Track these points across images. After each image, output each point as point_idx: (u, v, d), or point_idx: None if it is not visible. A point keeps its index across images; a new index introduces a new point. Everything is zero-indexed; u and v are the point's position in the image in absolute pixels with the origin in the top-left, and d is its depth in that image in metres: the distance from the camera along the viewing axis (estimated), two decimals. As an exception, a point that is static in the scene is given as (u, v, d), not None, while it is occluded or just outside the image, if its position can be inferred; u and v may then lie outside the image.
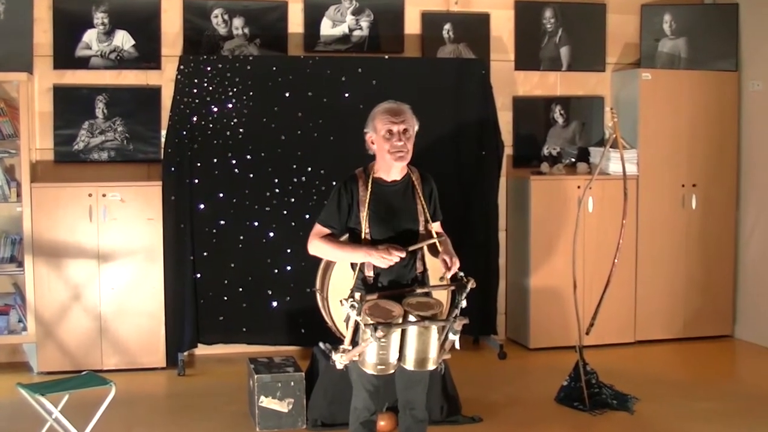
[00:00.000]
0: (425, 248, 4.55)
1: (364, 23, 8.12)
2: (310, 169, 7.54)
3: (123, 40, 7.71)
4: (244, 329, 7.62)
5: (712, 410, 6.38)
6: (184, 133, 7.35)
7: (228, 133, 7.43)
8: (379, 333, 4.03)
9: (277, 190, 7.52)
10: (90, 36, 7.67)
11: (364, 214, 4.44)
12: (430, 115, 7.34)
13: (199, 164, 7.41)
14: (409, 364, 4.26)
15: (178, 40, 7.82)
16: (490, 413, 6.26)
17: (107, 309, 7.34)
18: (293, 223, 7.47)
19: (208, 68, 7.40)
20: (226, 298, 7.53)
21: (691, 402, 6.56)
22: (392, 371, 4.32)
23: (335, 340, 4.97)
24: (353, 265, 4.55)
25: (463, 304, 4.33)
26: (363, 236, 4.44)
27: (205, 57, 7.56)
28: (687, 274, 8.46)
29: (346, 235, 4.60)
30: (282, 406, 5.94)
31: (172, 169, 7.36)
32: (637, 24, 8.69)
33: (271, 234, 7.54)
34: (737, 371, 7.98)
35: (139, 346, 7.42)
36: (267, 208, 7.52)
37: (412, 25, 8.25)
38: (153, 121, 7.77)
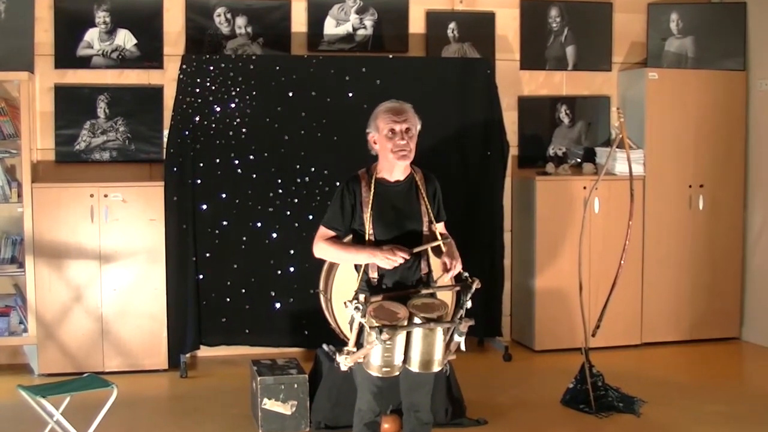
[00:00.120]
0: (429, 249, 4.54)
1: (368, 22, 8.12)
2: (313, 169, 7.54)
3: (125, 39, 7.71)
4: (247, 331, 7.62)
5: (719, 413, 6.37)
6: (187, 133, 7.35)
7: (231, 133, 7.43)
8: (384, 336, 4.03)
9: (280, 191, 7.52)
10: (91, 35, 7.67)
11: (367, 215, 4.44)
12: (435, 115, 7.39)
13: (201, 164, 7.41)
14: (414, 366, 4.25)
15: (180, 39, 7.82)
16: (496, 416, 6.25)
17: (109, 310, 7.34)
18: (296, 224, 7.47)
19: (211, 68, 7.40)
20: (228, 299, 7.53)
21: (698, 405, 6.55)
22: (397, 373, 4.32)
23: (339, 342, 4.99)
24: (357, 267, 4.55)
25: (468, 304, 4.33)
26: (367, 237, 4.44)
27: (207, 56, 7.56)
28: (694, 276, 8.45)
29: (350, 237, 4.60)
30: (285, 409, 5.93)
31: (175, 169, 7.37)
32: (644, 23, 8.69)
33: (274, 235, 7.54)
34: (745, 374, 7.97)
35: (141, 348, 7.42)
36: (270, 209, 7.52)
37: (416, 24, 8.25)
38: (155, 120, 7.77)
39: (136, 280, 7.37)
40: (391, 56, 7.95)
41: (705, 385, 7.11)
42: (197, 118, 7.37)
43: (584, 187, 7.98)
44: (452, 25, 8.28)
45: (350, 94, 7.56)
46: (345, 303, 4.22)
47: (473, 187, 7.87)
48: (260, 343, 7.68)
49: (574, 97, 8.63)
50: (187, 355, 7.55)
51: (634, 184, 6.64)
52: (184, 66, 7.38)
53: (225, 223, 7.48)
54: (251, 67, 7.49)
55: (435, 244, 4.49)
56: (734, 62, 8.63)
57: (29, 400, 5.14)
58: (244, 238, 7.51)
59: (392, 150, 4.41)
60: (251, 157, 7.47)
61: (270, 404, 5.92)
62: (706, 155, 8.40)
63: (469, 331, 4.33)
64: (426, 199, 4.54)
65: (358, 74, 7.62)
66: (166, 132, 7.56)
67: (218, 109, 7.41)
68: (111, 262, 7.31)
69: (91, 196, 7.27)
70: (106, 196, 7.29)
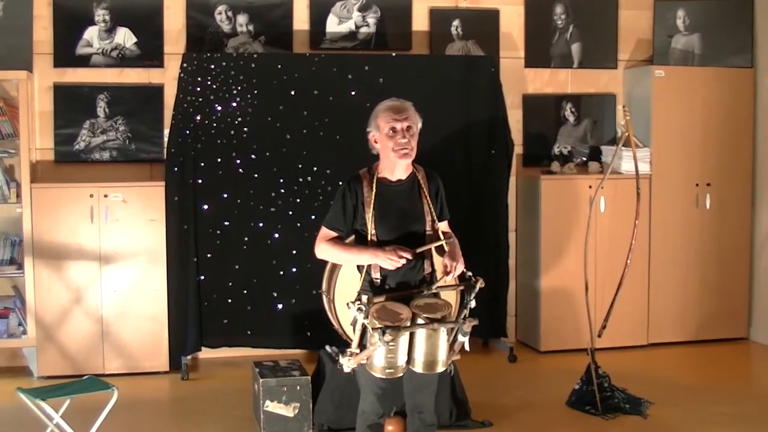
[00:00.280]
0: (433, 249, 4.54)
1: (371, 20, 8.12)
2: (315, 168, 7.54)
3: (125, 37, 7.71)
4: (249, 332, 7.62)
5: (726, 414, 6.36)
6: (188, 132, 7.35)
7: (232, 132, 7.44)
8: (387, 337, 4.03)
9: (282, 191, 7.52)
10: (91, 33, 7.67)
11: (369, 216, 4.44)
12: (439, 113, 7.41)
13: (202, 164, 7.41)
14: (418, 367, 4.25)
15: (181, 38, 7.82)
16: (500, 417, 6.25)
17: (109, 312, 7.34)
18: (299, 224, 7.47)
19: (212, 66, 7.40)
20: (230, 300, 7.54)
21: (705, 406, 6.54)
22: (401, 374, 4.31)
23: (342, 344, 4.97)
24: (360, 267, 4.55)
25: (472, 304, 4.33)
26: (369, 238, 4.44)
27: (208, 55, 7.56)
28: (701, 275, 8.44)
29: (353, 237, 4.60)
30: (288, 411, 5.93)
31: (175, 169, 7.37)
32: (650, 20, 8.68)
33: (277, 235, 7.54)
34: (752, 374, 7.96)
35: (141, 350, 7.42)
36: (272, 209, 7.52)
37: (419, 22, 8.25)
38: (155, 120, 7.78)
39: (137, 281, 7.37)
40: (394, 54, 7.95)
41: (713, 386, 7.10)
42: (198, 117, 7.37)
43: (590, 186, 7.98)
44: (456, 23, 8.28)
45: (353, 93, 7.56)
46: (348, 304, 4.22)
47: (477, 187, 7.87)
48: (262, 344, 7.68)
49: (579, 95, 8.62)
50: (189, 357, 7.55)
51: (640, 182, 6.64)
52: (184, 64, 7.38)
53: (226, 223, 7.48)
54: (253, 65, 7.49)
55: (438, 243, 4.49)
56: (741, 59, 8.63)
57: (28, 403, 5.14)
58: (246, 239, 7.51)
59: (393, 149, 4.41)
60: (253, 156, 7.47)
61: (272, 406, 5.92)
62: (714, 153, 8.40)
63: (473, 332, 4.33)
64: (428, 198, 4.54)
65: (360, 72, 7.62)
66: (166, 131, 7.56)
67: (219, 108, 7.41)
68: (111, 263, 7.31)
69: (91, 196, 7.27)
70: (106, 196, 7.29)
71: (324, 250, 4.57)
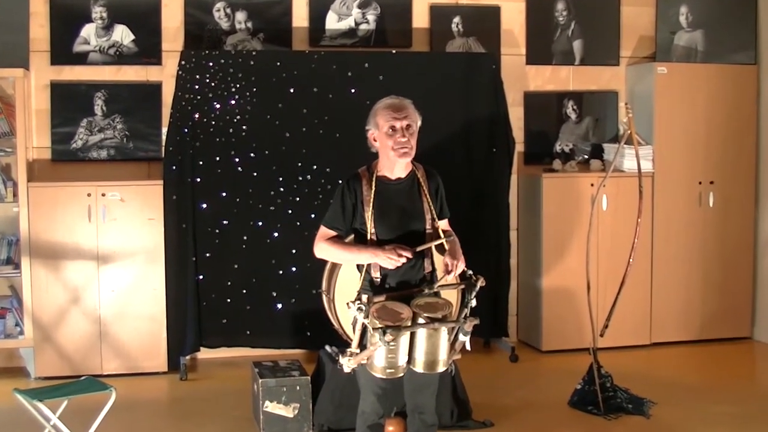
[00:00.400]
0: (433, 248, 4.54)
1: (371, 17, 8.12)
2: (315, 167, 7.54)
3: (122, 34, 7.71)
4: (248, 332, 7.62)
5: (730, 414, 6.36)
6: (186, 130, 7.35)
7: (231, 130, 7.44)
8: (388, 336, 4.03)
9: (281, 189, 7.52)
10: (88, 30, 7.67)
11: (368, 214, 4.44)
12: (439, 111, 7.42)
13: (201, 162, 7.41)
14: (419, 367, 4.25)
15: (179, 35, 7.82)
16: (502, 417, 6.25)
17: (107, 312, 7.34)
18: (298, 223, 7.47)
19: (210, 64, 7.40)
20: (229, 300, 7.54)
21: (708, 405, 6.55)
22: (401, 374, 4.32)
23: (342, 343, 4.98)
24: (360, 267, 4.55)
25: (473, 303, 4.33)
26: (369, 237, 4.44)
27: (207, 52, 7.56)
28: (704, 274, 8.44)
29: (352, 236, 4.60)
30: (287, 411, 5.94)
31: (174, 167, 7.37)
32: (653, 16, 8.67)
33: (276, 234, 7.54)
34: (756, 374, 7.96)
35: (139, 350, 7.42)
36: (271, 208, 7.52)
37: (420, 19, 8.24)
38: (153, 118, 7.77)
39: (135, 280, 7.38)
40: (394, 51, 7.94)
41: (716, 386, 7.11)
42: (197, 116, 7.37)
43: (592, 184, 7.97)
44: (457, 20, 8.27)
45: (353, 90, 7.56)
46: (348, 304, 4.22)
47: (478, 185, 7.87)
48: (261, 344, 7.68)
49: (581, 93, 8.62)
50: (187, 357, 7.55)
51: (642, 181, 6.64)
52: (183, 62, 7.38)
53: (225, 222, 7.48)
54: (251, 63, 7.49)
55: (438, 242, 4.49)
56: (745, 56, 8.62)
57: (26, 404, 5.14)
58: (245, 238, 7.51)
59: (393, 147, 4.41)
60: (252, 154, 7.47)
61: (272, 407, 5.92)
62: (717, 151, 8.39)
63: (474, 332, 4.33)
64: (428, 196, 4.54)
65: (360, 70, 7.62)
66: (164, 130, 7.56)
67: (218, 106, 7.41)
68: (109, 262, 7.31)
69: (89, 195, 7.27)
70: (103, 195, 7.29)
71: (323, 249, 4.57)
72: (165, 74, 7.76)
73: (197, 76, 7.36)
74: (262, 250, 7.53)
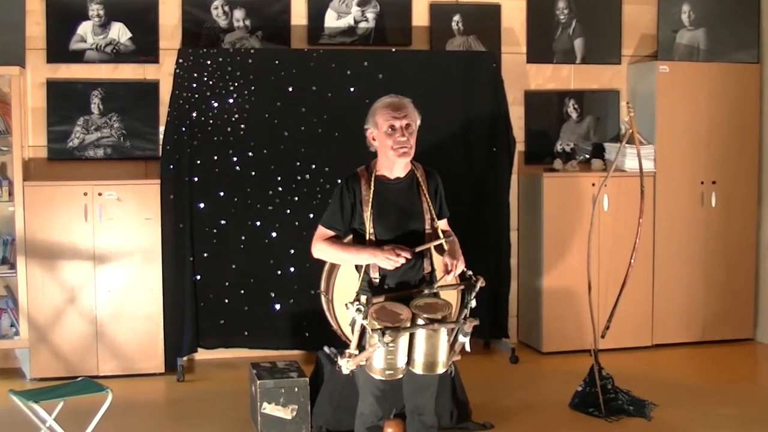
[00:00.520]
0: (432, 248, 4.54)
1: (370, 15, 8.11)
2: (314, 166, 7.54)
3: (119, 32, 7.71)
4: (246, 333, 7.62)
5: (732, 416, 6.36)
6: (183, 129, 7.35)
7: (229, 129, 7.43)
8: (387, 338, 4.02)
9: (279, 189, 7.52)
10: (85, 28, 7.67)
11: (367, 214, 4.44)
12: (439, 110, 7.42)
13: (198, 162, 7.41)
14: (418, 368, 4.25)
15: (176, 33, 7.81)
16: (502, 419, 6.25)
17: (103, 312, 7.34)
18: (297, 223, 7.47)
19: (208, 62, 7.40)
20: (227, 300, 7.53)
21: (711, 408, 6.55)
22: (400, 376, 4.31)
23: (341, 344, 4.98)
24: (358, 267, 4.55)
25: (473, 304, 4.33)
26: (367, 237, 4.44)
27: (204, 50, 7.55)
28: (706, 275, 8.44)
29: (350, 236, 4.59)
30: (285, 413, 5.93)
31: (171, 166, 7.36)
32: (655, 14, 8.67)
33: (274, 234, 7.53)
34: (759, 376, 7.96)
35: (136, 351, 7.42)
36: (269, 207, 7.52)
37: (419, 17, 8.24)
38: (151, 116, 7.77)
39: (132, 281, 7.37)
40: (393, 50, 7.94)
41: (718, 388, 7.11)
42: (194, 114, 7.37)
43: (593, 184, 7.97)
44: (457, 18, 8.27)
45: (352, 89, 7.56)
46: (346, 304, 4.22)
47: (478, 184, 7.87)
48: (259, 345, 7.68)
49: (582, 92, 8.62)
50: (185, 358, 7.54)
51: (644, 180, 6.64)
52: (180, 60, 7.37)
53: (223, 222, 7.48)
54: (250, 61, 7.49)
55: (437, 242, 4.49)
56: (748, 54, 8.62)
57: (21, 406, 5.14)
58: (243, 238, 7.51)
59: (392, 147, 4.41)
60: (250, 154, 7.47)
61: (270, 408, 5.91)
62: (719, 151, 8.39)
63: (474, 333, 4.32)
64: (428, 196, 4.54)
65: (359, 68, 7.62)
66: (162, 128, 7.57)
67: (216, 104, 7.41)
68: (105, 262, 7.31)
69: (85, 194, 7.26)
70: (100, 194, 7.29)
71: (321, 249, 4.57)
72: (162, 72, 7.75)
73: (195, 75, 7.36)
74: (261, 250, 7.52)
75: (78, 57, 7.66)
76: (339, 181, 4.62)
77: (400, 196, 4.51)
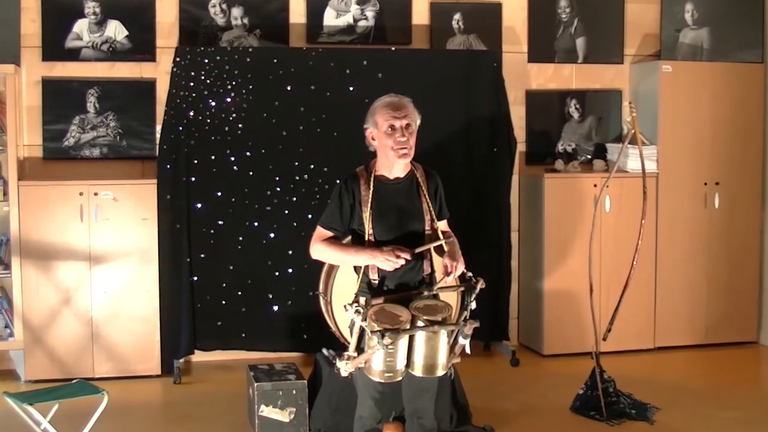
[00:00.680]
0: (432, 249, 4.55)
1: (370, 13, 8.12)
2: (312, 166, 7.54)
3: (116, 30, 7.71)
4: (244, 335, 7.62)
5: (735, 419, 6.36)
6: (181, 128, 7.35)
7: (226, 128, 7.43)
8: (386, 340, 4.03)
9: (278, 189, 7.52)
10: (81, 26, 7.67)
11: (366, 215, 4.45)
12: (439, 109, 7.42)
13: (195, 161, 7.41)
14: (418, 371, 4.26)
15: (173, 31, 7.81)
16: (502, 422, 6.25)
17: (99, 314, 7.34)
18: (295, 224, 7.47)
19: (206, 60, 7.40)
20: (224, 302, 7.54)
21: (713, 411, 6.55)
22: (400, 378, 4.32)
23: (339, 347, 4.99)
24: (357, 268, 4.55)
25: (473, 306, 4.33)
26: (366, 238, 4.45)
27: (202, 48, 7.55)
28: (709, 277, 8.44)
29: (349, 237, 4.60)
30: (283, 416, 5.93)
31: (168, 166, 7.36)
32: (657, 13, 8.67)
33: (272, 235, 7.54)
34: (762, 379, 7.97)
35: (132, 353, 7.41)
36: (267, 208, 7.52)
37: (419, 15, 8.24)
38: (147, 116, 7.77)
39: (128, 282, 7.37)
40: (393, 49, 7.94)
41: (721, 391, 7.11)
42: (191, 113, 7.37)
43: (595, 185, 7.98)
44: (457, 16, 8.28)
45: (351, 88, 7.56)
46: (345, 306, 4.22)
47: (479, 185, 7.87)
48: (257, 347, 7.67)
49: (584, 91, 8.62)
50: (181, 360, 7.54)
51: (646, 181, 6.64)
52: (177, 59, 7.38)
53: (220, 222, 7.48)
54: (248, 59, 7.49)
55: (437, 243, 4.49)
56: (752, 54, 8.63)
57: (15, 408, 5.14)
58: (241, 238, 7.51)
59: (392, 147, 4.42)
60: (248, 153, 7.47)
61: (267, 411, 5.92)
62: (722, 151, 8.39)
63: (474, 335, 4.33)
64: (427, 196, 4.55)
65: (359, 67, 7.62)
66: (158, 127, 7.57)
67: (213, 103, 7.41)
68: (101, 263, 7.31)
69: (81, 194, 7.26)
70: (96, 194, 7.29)
71: (319, 250, 4.58)
72: (159, 71, 7.76)
73: (192, 73, 7.36)
74: (258, 251, 7.53)
75: (74, 55, 7.66)
76: (338, 181, 4.62)
77: (399, 197, 4.51)
